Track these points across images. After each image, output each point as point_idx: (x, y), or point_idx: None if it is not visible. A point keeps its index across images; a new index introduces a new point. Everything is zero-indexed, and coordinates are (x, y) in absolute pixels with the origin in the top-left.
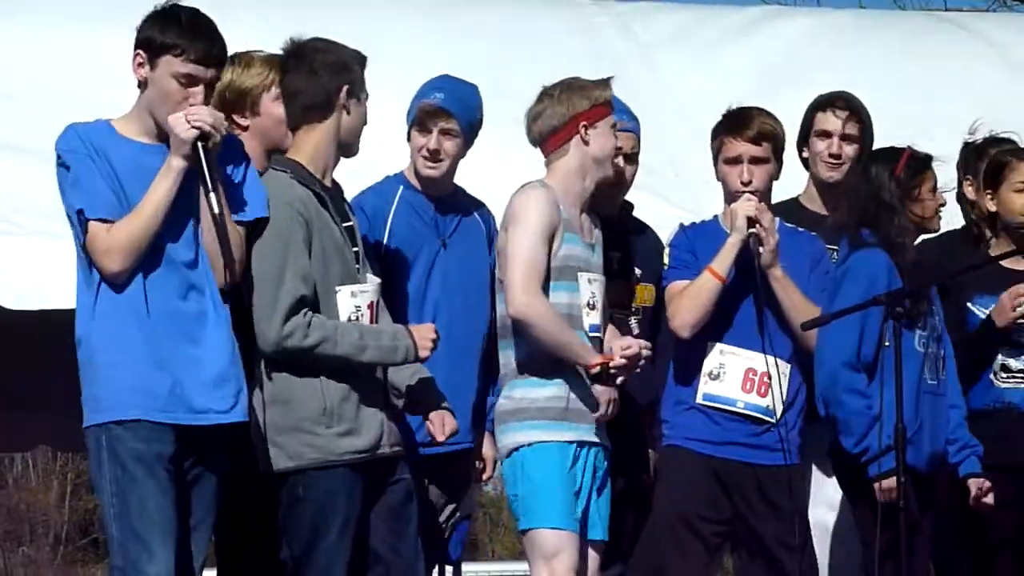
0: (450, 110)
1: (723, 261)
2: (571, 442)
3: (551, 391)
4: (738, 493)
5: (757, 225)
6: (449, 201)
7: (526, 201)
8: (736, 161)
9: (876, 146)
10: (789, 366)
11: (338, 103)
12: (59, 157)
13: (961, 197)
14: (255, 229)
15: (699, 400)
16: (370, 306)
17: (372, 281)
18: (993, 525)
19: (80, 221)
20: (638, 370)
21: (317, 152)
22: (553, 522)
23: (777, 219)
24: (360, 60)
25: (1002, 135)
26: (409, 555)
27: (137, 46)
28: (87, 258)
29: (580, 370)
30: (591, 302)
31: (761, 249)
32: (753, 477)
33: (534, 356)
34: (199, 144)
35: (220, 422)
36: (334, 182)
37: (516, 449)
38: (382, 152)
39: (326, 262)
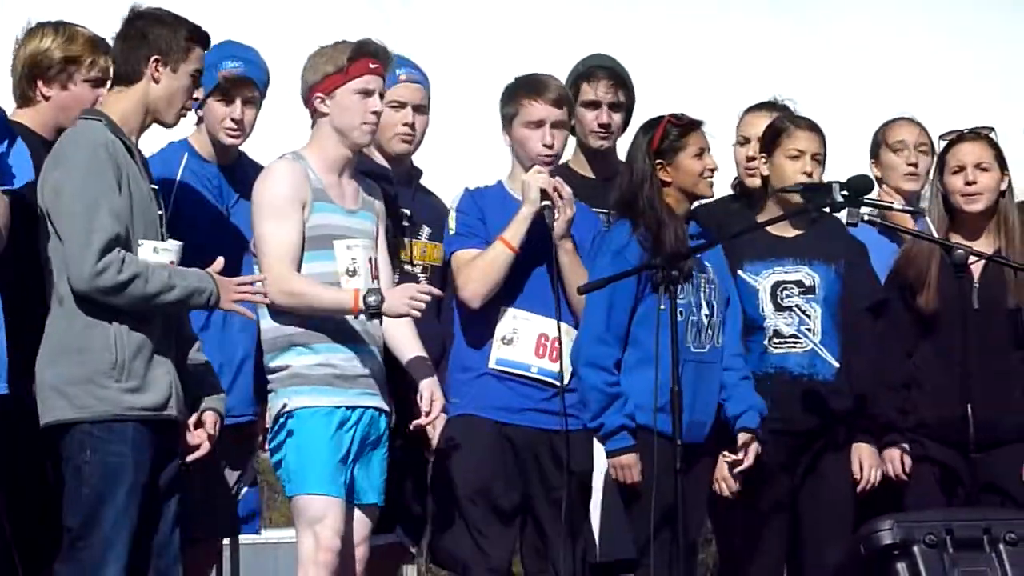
0: (253, 79)
1: (516, 232)
2: (338, 407)
3: (319, 357)
4: (532, 459)
5: (553, 196)
6: (233, 169)
7: (261, 186)
8: (539, 125)
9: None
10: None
11: (145, 73)
12: None
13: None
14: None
15: (492, 365)
16: (170, 264)
17: (174, 244)
18: (766, 489)
19: None
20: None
21: (124, 116)
22: (317, 488)
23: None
24: (188, 33)
25: (779, 100)
26: (165, 531)
27: None
28: None
29: (354, 324)
30: (351, 268)
31: (556, 216)
32: (548, 442)
33: (299, 323)
34: None
35: None
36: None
37: (282, 414)
38: None
39: (132, 214)
